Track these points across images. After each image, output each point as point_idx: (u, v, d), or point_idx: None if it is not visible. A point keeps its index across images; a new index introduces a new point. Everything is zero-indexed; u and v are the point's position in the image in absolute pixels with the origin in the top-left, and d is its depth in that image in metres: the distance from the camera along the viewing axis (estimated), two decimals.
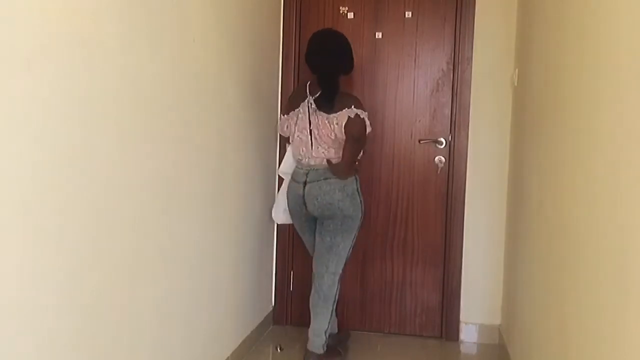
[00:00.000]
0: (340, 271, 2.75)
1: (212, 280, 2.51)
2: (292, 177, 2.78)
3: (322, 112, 2.61)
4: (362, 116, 2.63)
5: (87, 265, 1.58)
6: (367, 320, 3.38)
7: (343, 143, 2.64)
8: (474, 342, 3.26)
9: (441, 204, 3.27)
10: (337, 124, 2.59)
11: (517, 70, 2.95)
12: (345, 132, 2.60)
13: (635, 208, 1.22)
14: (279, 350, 3.07)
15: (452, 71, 3.23)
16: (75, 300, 1.53)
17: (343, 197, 2.64)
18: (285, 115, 2.76)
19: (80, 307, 1.56)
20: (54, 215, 1.43)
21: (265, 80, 3.15)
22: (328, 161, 2.65)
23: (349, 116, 2.58)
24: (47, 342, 1.44)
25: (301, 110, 2.67)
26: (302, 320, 3.42)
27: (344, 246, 2.72)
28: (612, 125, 1.42)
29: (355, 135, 2.63)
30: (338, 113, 2.59)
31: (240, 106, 2.75)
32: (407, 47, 3.28)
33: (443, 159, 3.24)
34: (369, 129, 2.67)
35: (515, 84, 2.96)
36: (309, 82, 2.72)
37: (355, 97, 2.76)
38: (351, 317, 3.38)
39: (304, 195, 2.68)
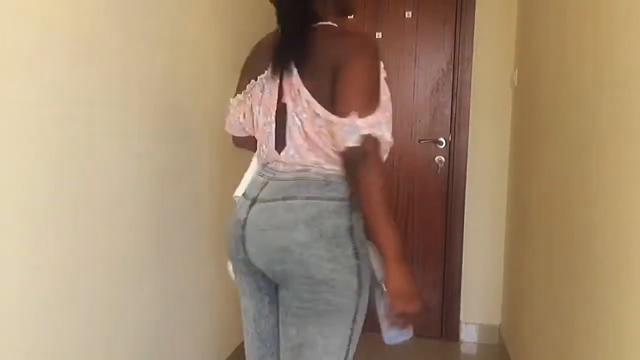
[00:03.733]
0: None
1: (212, 279, 2.51)
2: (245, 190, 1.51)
3: (300, 74, 1.34)
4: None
5: (85, 266, 1.58)
6: (366, 320, 3.38)
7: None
8: (474, 342, 3.26)
9: (441, 203, 3.27)
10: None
11: (517, 70, 2.95)
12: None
13: (636, 207, 1.22)
14: None
15: (452, 71, 3.23)
16: (74, 300, 1.53)
17: (313, 239, 1.31)
18: (239, 96, 1.52)
19: (80, 307, 1.56)
20: (54, 214, 1.44)
21: None
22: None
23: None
24: (46, 342, 1.44)
25: (267, 75, 1.42)
26: None
27: (333, 347, 1.40)
28: (612, 124, 1.42)
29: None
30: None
31: None
32: (407, 48, 3.28)
33: (443, 158, 3.24)
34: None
35: (515, 84, 2.96)
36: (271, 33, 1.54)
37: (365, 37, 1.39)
38: None
39: (243, 224, 1.40)
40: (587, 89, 1.66)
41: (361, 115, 1.24)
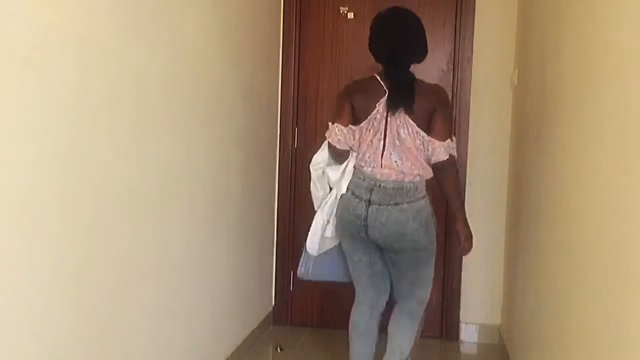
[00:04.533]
0: (429, 295, 2.31)
1: (212, 280, 2.51)
2: (349, 188, 2.21)
3: (405, 114, 2.11)
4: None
5: (86, 265, 1.58)
6: None
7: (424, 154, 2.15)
8: (474, 342, 3.26)
9: (441, 204, 3.26)
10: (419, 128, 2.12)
11: (517, 70, 2.95)
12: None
13: (636, 207, 1.22)
14: (279, 350, 3.07)
15: (452, 71, 3.22)
16: (73, 300, 1.53)
17: (419, 227, 2.15)
18: (352, 126, 2.19)
19: (79, 307, 1.56)
20: (53, 214, 1.43)
21: (265, 80, 3.15)
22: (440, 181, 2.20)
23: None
24: (46, 342, 1.44)
25: (379, 110, 2.14)
26: (302, 320, 3.43)
27: (427, 273, 2.27)
28: (612, 124, 1.42)
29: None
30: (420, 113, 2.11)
31: (240, 106, 2.75)
32: None
33: None
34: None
35: (515, 84, 2.96)
36: (374, 75, 2.22)
37: (439, 86, 2.30)
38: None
39: (366, 218, 2.14)
40: (586, 89, 1.66)
41: (450, 140, 2.15)
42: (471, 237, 2.26)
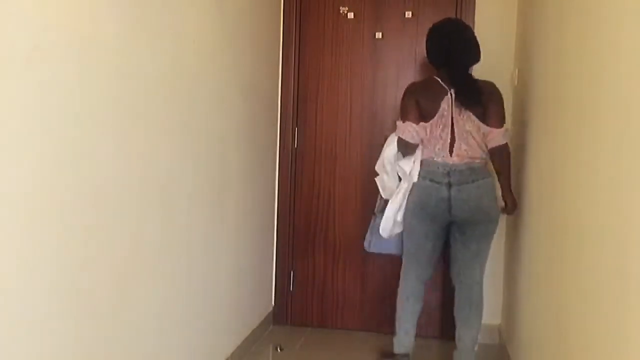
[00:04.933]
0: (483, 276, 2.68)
1: (212, 280, 2.51)
2: (424, 177, 2.55)
3: (466, 109, 2.52)
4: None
5: (86, 265, 1.58)
6: (367, 320, 3.38)
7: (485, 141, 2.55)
8: None
9: None
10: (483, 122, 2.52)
11: (517, 70, 2.95)
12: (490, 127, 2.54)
13: (636, 207, 1.22)
14: (279, 350, 3.07)
15: None
16: (73, 300, 1.53)
17: (490, 201, 2.54)
18: (424, 123, 2.55)
19: (78, 307, 1.56)
20: (53, 214, 1.43)
21: (265, 80, 3.15)
22: (495, 163, 2.59)
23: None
24: (46, 342, 1.44)
25: (444, 107, 2.53)
26: (302, 320, 3.43)
27: (487, 251, 2.64)
28: (612, 124, 1.42)
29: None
30: (486, 111, 2.53)
31: (240, 106, 2.75)
32: (407, 47, 3.28)
33: None
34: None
35: (515, 83, 2.96)
36: (434, 77, 2.61)
37: (493, 83, 2.63)
38: (351, 317, 3.38)
39: (449, 199, 2.50)
40: (586, 89, 1.66)
41: (505, 129, 2.58)
42: (516, 203, 2.65)
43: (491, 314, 3.22)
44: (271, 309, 3.42)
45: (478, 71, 3.14)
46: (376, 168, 2.75)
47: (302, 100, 3.38)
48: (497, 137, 2.53)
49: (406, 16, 3.26)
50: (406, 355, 2.71)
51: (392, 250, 2.82)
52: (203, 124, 2.34)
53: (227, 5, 2.55)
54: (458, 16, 3.18)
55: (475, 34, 2.62)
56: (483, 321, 3.21)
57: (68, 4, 1.45)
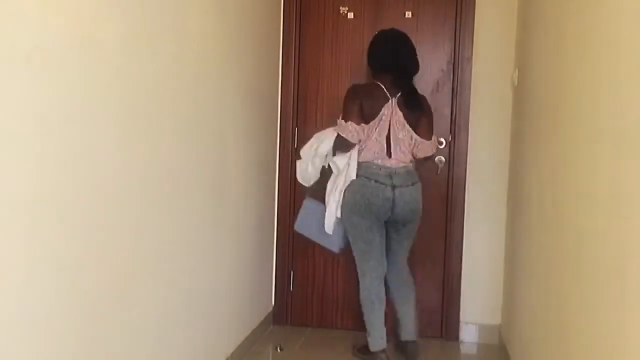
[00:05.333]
0: None
1: (212, 280, 2.51)
2: (366, 177, 2.67)
3: (404, 115, 2.67)
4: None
5: (86, 265, 1.58)
6: None
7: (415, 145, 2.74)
8: (474, 342, 3.26)
9: (441, 204, 3.27)
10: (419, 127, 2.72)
11: (517, 70, 2.95)
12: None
13: (636, 208, 1.22)
14: (279, 350, 3.07)
15: (452, 71, 3.23)
16: (73, 300, 1.53)
17: (420, 203, 2.75)
18: (364, 125, 2.66)
19: (78, 307, 1.56)
20: (53, 214, 1.43)
21: (265, 80, 3.15)
22: (418, 159, 2.78)
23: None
24: (46, 342, 1.44)
25: (385, 113, 2.66)
26: (302, 320, 3.43)
27: (412, 242, 2.89)
28: (612, 124, 1.42)
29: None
30: (422, 118, 2.73)
31: (240, 106, 2.76)
32: None
33: (443, 159, 3.24)
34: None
35: (515, 84, 2.97)
36: (376, 83, 2.72)
37: (425, 98, 2.85)
38: (350, 317, 3.37)
39: (393, 199, 2.65)
40: (586, 89, 1.66)
41: (433, 140, 2.82)
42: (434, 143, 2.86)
43: (491, 314, 3.23)
44: (271, 309, 3.42)
45: (480, 71, 3.15)
46: (301, 153, 2.83)
47: (302, 100, 3.38)
48: (426, 148, 2.77)
49: (406, 16, 3.26)
50: (383, 351, 2.78)
51: (313, 235, 2.90)
52: (203, 124, 2.34)
53: (227, 6, 2.55)
54: (458, 16, 3.19)
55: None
56: (483, 321, 3.24)
57: (68, 4, 1.45)
